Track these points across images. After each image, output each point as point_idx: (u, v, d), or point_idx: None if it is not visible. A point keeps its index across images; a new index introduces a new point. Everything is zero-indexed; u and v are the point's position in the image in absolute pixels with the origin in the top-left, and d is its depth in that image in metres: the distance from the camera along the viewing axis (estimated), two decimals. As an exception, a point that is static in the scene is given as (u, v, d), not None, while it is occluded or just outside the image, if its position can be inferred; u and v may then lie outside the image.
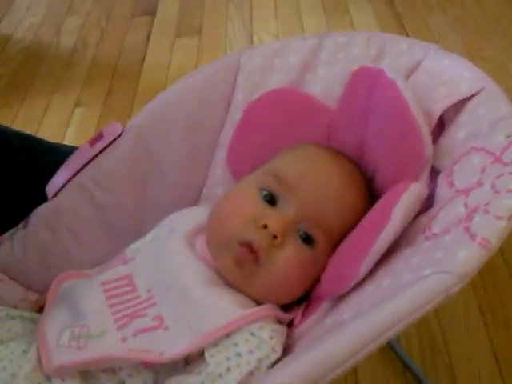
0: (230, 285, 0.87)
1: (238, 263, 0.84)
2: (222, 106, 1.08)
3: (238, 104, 1.08)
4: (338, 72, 1.03)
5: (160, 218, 1.02)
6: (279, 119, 1.03)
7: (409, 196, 0.79)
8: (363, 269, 0.78)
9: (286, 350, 0.82)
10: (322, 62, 1.05)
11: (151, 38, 2.35)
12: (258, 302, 0.87)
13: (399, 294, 0.68)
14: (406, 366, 1.22)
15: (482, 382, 1.21)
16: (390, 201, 0.80)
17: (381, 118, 0.89)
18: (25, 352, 0.81)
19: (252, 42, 2.25)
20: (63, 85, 2.14)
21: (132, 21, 2.47)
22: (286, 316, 0.87)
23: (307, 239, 0.86)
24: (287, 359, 0.74)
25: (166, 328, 0.82)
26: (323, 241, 0.86)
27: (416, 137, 0.85)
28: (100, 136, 1.05)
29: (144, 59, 2.23)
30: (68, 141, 1.85)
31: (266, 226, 0.84)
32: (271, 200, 0.88)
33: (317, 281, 0.88)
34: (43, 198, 1.04)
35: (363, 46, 1.02)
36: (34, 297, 1.00)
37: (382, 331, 0.66)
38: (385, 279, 0.75)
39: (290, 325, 0.87)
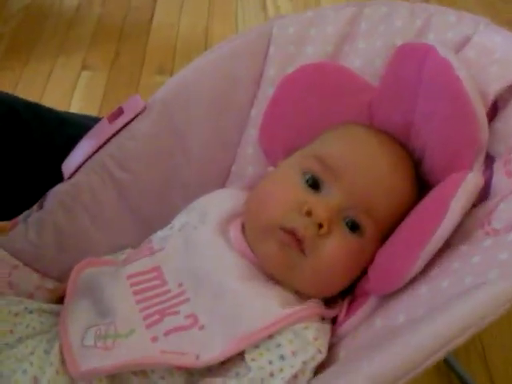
0: (271, 277, 0.82)
1: (282, 250, 0.79)
2: (252, 81, 1.02)
3: (270, 78, 1.02)
4: (379, 45, 0.97)
5: (186, 199, 0.97)
6: (316, 95, 0.96)
7: (467, 186, 0.73)
8: (418, 264, 0.72)
9: (330, 349, 0.78)
10: (362, 34, 0.99)
11: (158, -3, 2.27)
12: (300, 295, 0.82)
13: (462, 300, 0.62)
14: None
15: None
16: (447, 191, 0.75)
17: (433, 98, 0.83)
18: (46, 352, 0.76)
19: (265, 4, 2.19)
20: (67, 47, 2.06)
21: (140, -22, 2.38)
22: (331, 312, 0.82)
23: (354, 227, 0.80)
24: (340, 369, 0.69)
25: (201, 327, 0.77)
26: (371, 229, 0.81)
27: (471, 120, 0.78)
28: (120, 111, 0.99)
29: (152, 19, 2.16)
30: (75, 107, 1.78)
31: (310, 213, 0.78)
32: (315, 184, 0.82)
33: (362, 273, 0.83)
34: (56, 176, 0.98)
35: (407, 19, 0.95)
36: (50, 284, 0.93)
37: (447, 342, 0.60)
38: (442, 280, 0.70)
39: (334, 321, 0.82)
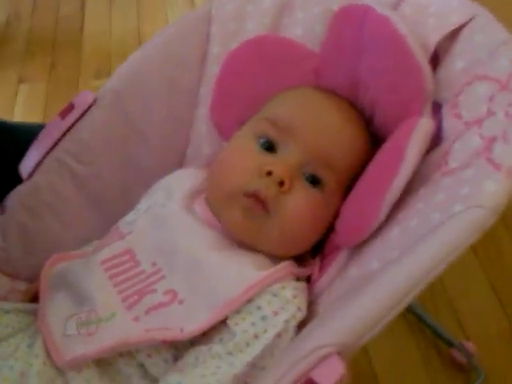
0: (240, 243, 0.83)
1: (247, 215, 0.80)
2: (197, 61, 1.03)
3: (214, 56, 1.03)
4: (317, 13, 0.98)
5: (146, 185, 0.98)
6: (262, 68, 0.98)
7: (420, 132, 0.76)
8: (383, 211, 0.75)
9: (308, 308, 0.79)
10: (299, 4, 1.00)
11: (86, 4, 2.27)
12: (272, 257, 0.83)
13: (433, 235, 0.66)
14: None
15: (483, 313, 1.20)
16: (401, 139, 0.77)
17: (376, 55, 0.85)
18: (30, 347, 0.77)
19: (193, 0, 2.18)
20: (2, 62, 2.04)
21: (62, -12, 2.36)
22: (304, 271, 0.83)
23: (315, 181, 0.82)
24: (322, 319, 0.71)
25: (181, 301, 0.78)
26: (332, 181, 0.83)
27: (416, 70, 0.81)
28: (71, 107, 0.99)
29: (82, 27, 2.16)
30: (18, 118, 1.77)
31: (270, 173, 0.80)
32: (270, 147, 0.84)
33: (329, 230, 0.85)
34: (12, 182, 0.97)
35: None
36: (22, 286, 0.93)
37: (423, 276, 0.64)
38: (410, 220, 0.73)
39: (308, 281, 0.84)
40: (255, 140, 0.85)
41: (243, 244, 0.83)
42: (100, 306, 0.78)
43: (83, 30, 2.13)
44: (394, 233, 0.74)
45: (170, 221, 0.86)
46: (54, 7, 2.27)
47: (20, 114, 1.81)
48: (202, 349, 0.74)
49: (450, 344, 1.20)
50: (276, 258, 0.83)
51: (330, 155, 0.83)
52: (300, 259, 0.86)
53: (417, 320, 1.22)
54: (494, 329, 1.23)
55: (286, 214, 0.80)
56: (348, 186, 0.85)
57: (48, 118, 1.74)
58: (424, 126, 0.76)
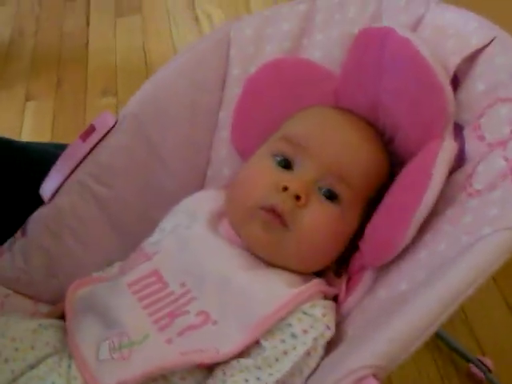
0: (267, 261, 0.84)
1: (266, 229, 0.82)
2: (217, 84, 1.04)
3: (234, 79, 1.03)
4: (336, 35, 0.99)
5: (166, 208, 0.98)
6: (282, 90, 0.99)
7: (445, 154, 0.77)
8: (410, 232, 0.76)
9: (336, 328, 0.80)
10: (318, 26, 1.01)
11: (91, 20, 2.28)
12: (301, 275, 0.84)
13: (463, 257, 0.67)
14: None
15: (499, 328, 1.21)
16: (426, 160, 0.79)
17: (398, 77, 0.86)
18: (69, 367, 0.76)
19: (196, 16, 2.21)
20: (8, 80, 2.05)
21: (66, 4, 2.38)
22: (332, 290, 0.84)
23: (331, 195, 0.84)
24: (356, 341, 0.71)
25: (215, 322, 0.78)
26: (348, 195, 0.84)
27: (439, 93, 0.82)
28: (92, 129, 0.99)
29: (88, 43, 2.16)
30: (25, 138, 1.77)
31: (286, 188, 0.82)
32: (287, 165, 0.86)
33: (353, 249, 0.87)
34: (26, 201, 0.99)
35: (359, 5, 0.99)
36: (44, 308, 0.94)
37: (454, 299, 0.65)
38: (438, 243, 0.74)
39: (335, 300, 0.85)
40: (272, 158, 0.87)
41: (270, 262, 0.84)
42: (131, 328, 0.78)
43: (88, 47, 2.14)
44: (422, 255, 0.75)
45: (196, 242, 0.86)
46: (58, 24, 2.28)
47: (28, 132, 1.81)
48: (231, 363, 0.75)
49: (467, 360, 1.21)
50: (305, 276, 0.84)
51: (346, 171, 0.84)
52: (326, 278, 0.86)
53: (434, 337, 1.22)
54: (510, 343, 1.23)
55: (304, 227, 0.82)
56: (368, 203, 0.86)
57: (55, 136, 1.75)
58: (448, 147, 0.78)
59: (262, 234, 0.82)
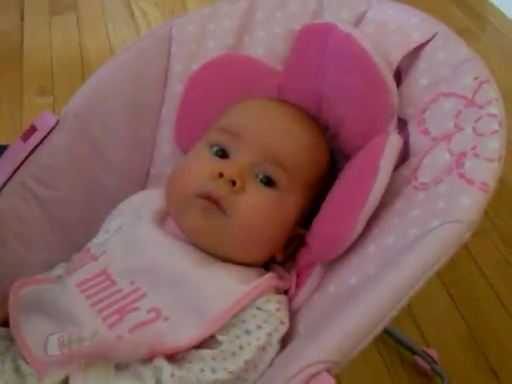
0: (209, 251, 0.84)
1: (204, 216, 0.81)
2: (158, 81, 1.03)
3: (176, 76, 1.03)
4: (278, 32, 1.00)
5: (111, 207, 0.96)
6: (225, 87, 0.99)
7: (391, 147, 0.78)
8: (359, 226, 0.76)
9: None
10: (260, 23, 1.01)
11: (25, 19, 2.23)
12: (252, 268, 0.84)
13: (412, 251, 0.67)
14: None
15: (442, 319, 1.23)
16: (373, 154, 0.79)
17: (341, 71, 0.87)
18: (16, 371, 0.75)
19: (132, 12, 2.20)
20: None
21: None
22: (284, 285, 0.84)
23: (268, 181, 0.84)
24: (308, 337, 0.71)
25: (166, 319, 0.77)
26: (285, 179, 0.84)
27: (381, 86, 0.83)
28: (33, 129, 0.97)
29: (22, 42, 2.12)
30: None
31: (222, 175, 0.81)
32: (223, 154, 0.86)
33: (300, 244, 0.87)
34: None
35: (300, 2, 0.99)
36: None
37: (405, 292, 0.65)
38: (386, 237, 0.74)
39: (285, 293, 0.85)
40: (209, 149, 0.87)
41: (216, 255, 0.84)
42: (81, 324, 0.76)
43: (23, 46, 2.10)
44: (371, 249, 0.75)
45: (143, 239, 0.85)
46: (-10, 22, 2.23)
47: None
48: (190, 351, 0.75)
49: (412, 352, 1.22)
50: (257, 270, 0.84)
51: (281, 156, 0.84)
52: (276, 273, 0.86)
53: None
54: (453, 334, 1.25)
55: (242, 213, 0.81)
56: (309, 190, 0.86)
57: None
58: (394, 141, 0.78)
59: (201, 222, 0.81)
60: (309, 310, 0.80)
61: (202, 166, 0.84)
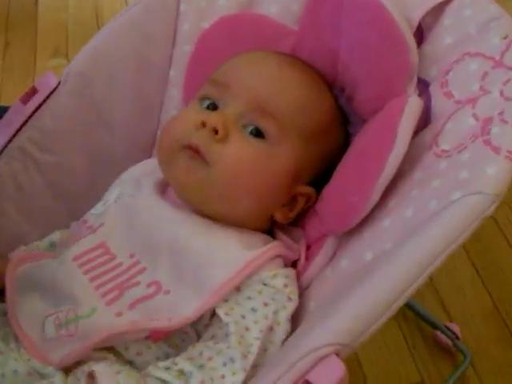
0: (222, 223, 0.79)
1: (188, 167, 0.77)
2: (167, 38, 0.98)
3: (185, 35, 0.98)
4: (293, -12, 0.93)
5: (115, 175, 0.92)
6: (237, 48, 0.91)
7: (411, 111, 0.72)
8: (374, 196, 0.72)
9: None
10: (274, -21, 0.95)
11: (40, -23, 2.18)
12: (257, 234, 0.80)
13: (431, 225, 0.63)
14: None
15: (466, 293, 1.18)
16: (390, 118, 0.74)
17: (357, 28, 0.81)
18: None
19: None
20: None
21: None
22: (292, 255, 0.79)
23: (256, 132, 0.78)
24: (319, 316, 0.66)
25: (167, 292, 0.74)
26: (274, 130, 0.78)
27: (400, 44, 0.77)
28: (34, 91, 0.93)
29: (37, 2, 2.07)
30: (-28, 104, 1.68)
31: (204, 124, 0.76)
32: (214, 107, 0.81)
33: (313, 215, 0.82)
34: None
35: None
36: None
37: (423, 270, 0.61)
38: (404, 209, 0.69)
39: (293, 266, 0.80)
40: (199, 102, 0.82)
41: (218, 219, 0.79)
42: (78, 303, 0.74)
43: (37, 6, 2.05)
44: (387, 222, 0.71)
45: (142, 210, 0.81)
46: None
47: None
48: (207, 344, 0.70)
49: (434, 326, 1.18)
50: (263, 237, 0.80)
51: (270, 105, 0.78)
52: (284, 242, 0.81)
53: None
54: (478, 308, 1.21)
55: (225, 162, 0.76)
56: (308, 142, 0.80)
57: (4, 100, 1.67)
58: (414, 104, 0.73)
59: (184, 174, 0.77)
60: (320, 285, 0.76)
61: (187, 118, 0.79)
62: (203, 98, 0.82)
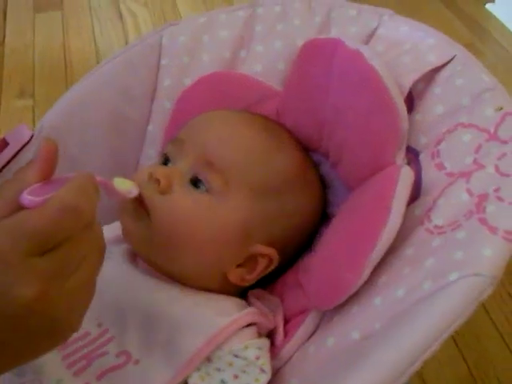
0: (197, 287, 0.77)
1: (133, 216, 0.75)
2: (147, 95, 0.95)
3: (165, 91, 0.95)
4: (279, 47, 0.92)
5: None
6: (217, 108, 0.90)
7: (404, 183, 0.70)
8: (366, 272, 0.68)
9: (275, 374, 0.73)
10: (259, 36, 0.94)
11: (7, 15, 2.16)
12: (231, 300, 0.77)
13: (427, 308, 0.60)
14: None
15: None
16: (383, 190, 0.71)
17: (347, 92, 0.79)
18: None
19: (120, 13, 2.15)
20: None
21: (-20, -2, 2.26)
22: (267, 323, 0.76)
23: (195, 181, 0.76)
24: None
25: (137, 362, 0.70)
26: (219, 181, 0.75)
27: (391, 110, 0.75)
28: (4, 144, 0.88)
29: (4, 40, 2.05)
30: None
31: (151, 176, 0.75)
32: (165, 162, 0.80)
33: (295, 287, 0.79)
34: None
35: (305, 15, 0.91)
36: None
37: (417, 356, 0.58)
38: (395, 288, 0.66)
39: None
40: (157, 159, 0.82)
41: (196, 288, 0.77)
42: (43, 373, 0.70)
43: (4, 45, 2.03)
44: (378, 300, 0.67)
45: (110, 279, 0.76)
46: (-29, 18, 2.16)
47: None
48: None
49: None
50: (237, 302, 0.77)
51: (211, 155, 0.76)
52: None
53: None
54: (453, 374, 1.18)
55: (163, 212, 0.74)
56: (260, 197, 0.77)
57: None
58: (407, 175, 0.71)
59: (132, 224, 0.76)
60: (303, 362, 0.72)
61: (142, 171, 0.79)
62: (161, 155, 0.81)
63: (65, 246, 0.52)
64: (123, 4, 2.17)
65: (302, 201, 0.80)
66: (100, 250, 0.58)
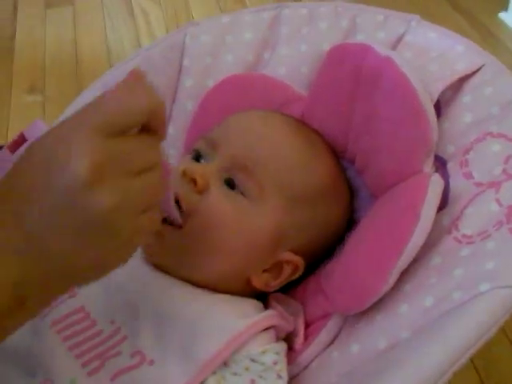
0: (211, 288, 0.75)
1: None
2: (168, 94, 0.94)
3: (187, 92, 0.94)
4: (304, 50, 0.91)
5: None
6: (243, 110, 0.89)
7: (434, 191, 0.70)
8: (391, 280, 0.68)
9: (294, 379, 0.72)
10: (283, 39, 0.93)
11: (18, 11, 2.15)
12: (249, 302, 0.76)
13: (461, 318, 0.59)
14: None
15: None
16: (413, 198, 0.70)
17: (376, 98, 0.78)
18: None
19: (132, 10, 2.14)
20: None
21: (-8, -8, 2.26)
22: (287, 325, 0.75)
23: (229, 183, 0.75)
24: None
25: (151, 362, 0.68)
26: (255, 186, 0.75)
27: (421, 118, 0.74)
28: (22, 139, 0.87)
29: (14, 35, 2.04)
30: None
31: (185, 174, 0.74)
32: (197, 158, 0.79)
33: (318, 292, 0.78)
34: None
35: (331, 19, 0.91)
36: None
37: (452, 363, 0.57)
38: (423, 297, 0.65)
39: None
40: (188, 156, 0.80)
41: (211, 288, 0.75)
42: (56, 374, 0.68)
43: (14, 40, 2.02)
44: (403, 308, 0.66)
45: (125, 276, 0.74)
46: (-19, 14, 2.15)
47: None
48: None
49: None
50: (255, 304, 0.76)
51: (248, 160, 0.75)
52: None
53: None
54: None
55: (201, 214, 0.73)
56: (295, 205, 0.77)
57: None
58: (437, 183, 0.70)
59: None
60: (326, 368, 0.71)
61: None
62: (192, 151, 0.79)
63: (132, 141, 0.53)
64: (135, 1, 2.16)
65: (333, 211, 0.80)
66: (159, 186, 0.56)
